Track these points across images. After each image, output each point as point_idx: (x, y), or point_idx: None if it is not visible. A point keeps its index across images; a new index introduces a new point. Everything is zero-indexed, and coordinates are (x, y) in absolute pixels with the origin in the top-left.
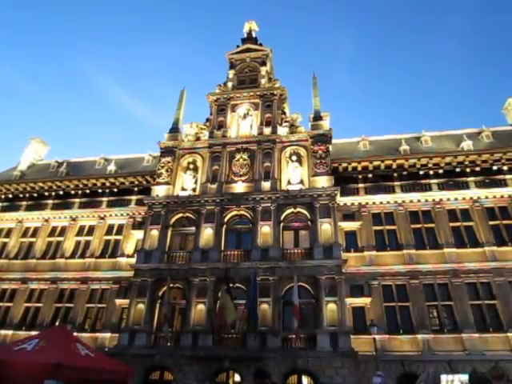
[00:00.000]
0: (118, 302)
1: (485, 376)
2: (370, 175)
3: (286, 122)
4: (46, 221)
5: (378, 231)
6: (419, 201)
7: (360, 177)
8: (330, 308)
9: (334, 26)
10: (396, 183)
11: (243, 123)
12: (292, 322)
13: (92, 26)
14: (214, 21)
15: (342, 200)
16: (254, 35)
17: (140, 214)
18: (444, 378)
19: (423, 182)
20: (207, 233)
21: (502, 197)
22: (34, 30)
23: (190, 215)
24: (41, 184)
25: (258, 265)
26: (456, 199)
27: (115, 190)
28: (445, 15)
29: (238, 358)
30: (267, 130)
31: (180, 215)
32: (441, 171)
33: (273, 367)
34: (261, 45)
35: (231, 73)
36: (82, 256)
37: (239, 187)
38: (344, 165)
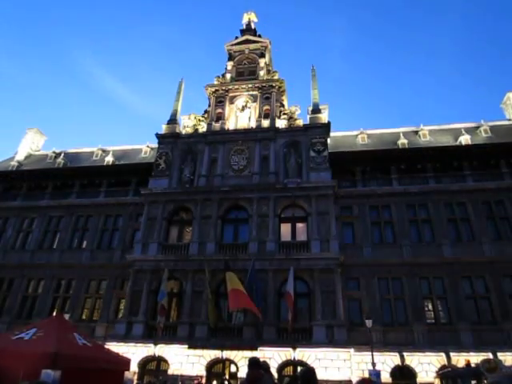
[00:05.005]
0: (116, 292)
1: (478, 369)
2: (367, 168)
3: (284, 114)
4: (44, 211)
5: (375, 224)
6: (416, 194)
7: (358, 170)
8: (326, 300)
9: (329, 17)
10: (394, 176)
11: (241, 115)
12: (288, 313)
13: (86, 19)
14: (213, 11)
15: (339, 193)
16: (253, 26)
17: (137, 205)
18: None
19: (421, 175)
20: (204, 225)
21: (499, 191)
22: (24, 19)
23: (188, 207)
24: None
25: (254, 257)
26: (453, 193)
27: (113, 180)
28: (441, 9)
29: (234, 349)
30: (265, 122)
31: (178, 207)
32: (438, 165)
33: (268, 358)
34: (260, 36)
35: (230, 64)
36: (79, 247)
37: (237, 179)
38: (342, 158)
